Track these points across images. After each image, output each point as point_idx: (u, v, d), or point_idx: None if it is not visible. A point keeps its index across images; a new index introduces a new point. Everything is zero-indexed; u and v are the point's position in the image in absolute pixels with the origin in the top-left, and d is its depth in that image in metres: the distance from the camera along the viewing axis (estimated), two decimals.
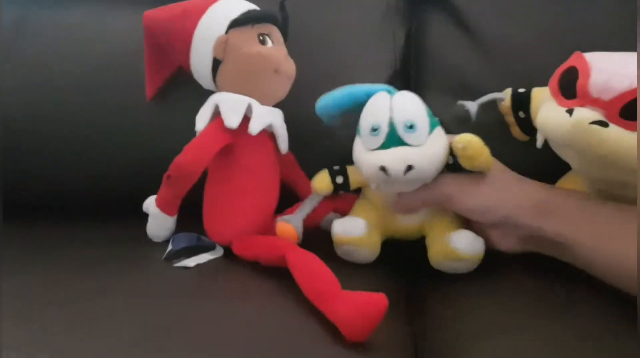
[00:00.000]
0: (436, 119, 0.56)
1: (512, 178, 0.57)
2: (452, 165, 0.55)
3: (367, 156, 0.54)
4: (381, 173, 0.52)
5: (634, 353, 0.43)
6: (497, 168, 0.57)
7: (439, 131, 0.55)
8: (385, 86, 0.57)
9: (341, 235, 0.58)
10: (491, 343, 0.46)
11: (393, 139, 0.52)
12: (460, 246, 0.54)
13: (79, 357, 0.42)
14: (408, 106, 0.54)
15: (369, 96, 0.56)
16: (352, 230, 0.57)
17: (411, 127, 0.52)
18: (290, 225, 0.59)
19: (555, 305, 0.50)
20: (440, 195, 0.55)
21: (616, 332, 0.45)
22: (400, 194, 0.57)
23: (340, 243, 0.58)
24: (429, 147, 0.53)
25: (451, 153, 0.54)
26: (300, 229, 0.59)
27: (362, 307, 0.45)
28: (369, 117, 0.54)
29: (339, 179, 0.61)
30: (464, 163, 0.53)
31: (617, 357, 0.43)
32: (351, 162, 0.58)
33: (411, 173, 0.52)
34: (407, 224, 0.59)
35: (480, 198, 0.55)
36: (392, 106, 0.53)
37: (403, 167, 0.51)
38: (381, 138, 0.53)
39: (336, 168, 0.62)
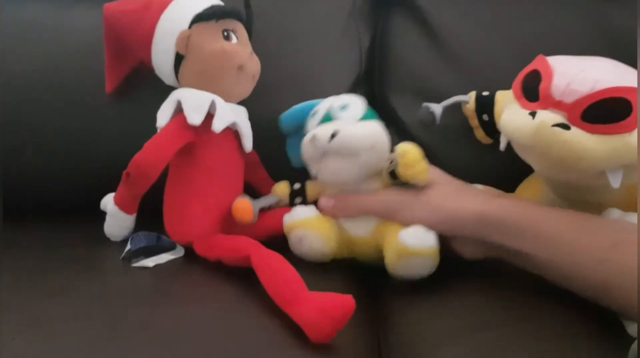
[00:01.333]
0: (376, 115, 0.58)
1: (454, 189, 0.56)
2: (393, 172, 0.55)
3: (305, 137, 0.57)
4: (311, 144, 0.55)
5: (593, 353, 0.43)
6: (441, 180, 0.57)
7: (375, 122, 0.57)
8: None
9: (290, 221, 0.57)
10: (454, 346, 0.46)
11: (328, 119, 0.56)
12: (409, 241, 0.52)
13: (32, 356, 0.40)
14: (347, 97, 0.58)
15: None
16: (301, 214, 0.58)
17: (344, 107, 0.56)
18: (250, 202, 0.58)
19: (515, 308, 0.50)
20: (381, 206, 0.56)
21: (577, 335, 0.46)
22: (339, 198, 0.57)
23: (290, 229, 0.57)
24: (358, 125, 0.55)
25: (392, 161, 0.55)
26: (256, 211, 0.58)
27: (328, 308, 0.44)
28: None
29: (296, 186, 0.62)
30: (400, 170, 0.54)
31: (578, 355, 0.43)
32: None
33: (336, 139, 0.53)
34: (359, 236, 0.58)
35: (420, 213, 0.54)
36: (335, 99, 0.58)
37: (329, 133, 0.54)
38: (318, 118, 0.57)
39: (296, 186, 0.62)
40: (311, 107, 0.60)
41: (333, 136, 0.54)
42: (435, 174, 0.57)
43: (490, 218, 0.51)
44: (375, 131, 0.56)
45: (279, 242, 0.56)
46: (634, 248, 0.43)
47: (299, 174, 0.61)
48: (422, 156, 0.54)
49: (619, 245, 0.45)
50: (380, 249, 0.58)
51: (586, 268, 0.46)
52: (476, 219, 0.52)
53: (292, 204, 0.62)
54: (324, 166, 0.56)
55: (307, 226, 0.57)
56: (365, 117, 0.56)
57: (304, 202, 0.61)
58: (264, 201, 0.60)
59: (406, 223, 0.54)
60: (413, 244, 0.52)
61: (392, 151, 0.56)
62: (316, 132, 0.55)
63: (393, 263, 0.54)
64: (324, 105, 0.58)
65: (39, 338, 0.43)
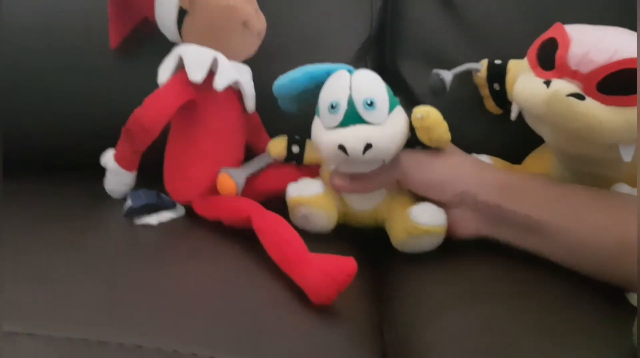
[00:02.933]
0: (396, 98, 0.54)
1: (470, 157, 0.56)
2: (410, 140, 0.54)
3: (326, 134, 0.52)
4: (340, 151, 0.51)
5: (593, 328, 0.43)
6: (455, 149, 0.56)
7: (399, 110, 0.54)
8: (345, 65, 0.55)
9: (296, 196, 0.56)
10: (455, 315, 0.46)
11: (352, 117, 0.51)
12: (422, 219, 0.52)
13: (33, 310, 0.39)
14: (368, 84, 0.53)
15: (329, 75, 0.54)
16: (308, 189, 0.56)
17: (371, 104, 0.51)
18: (232, 179, 0.56)
19: (518, 281, 0.50)
20: (396, 172, 0.54)
21: (581, 308, 0.46)
22: (355, 176, 0.55)
23: (296, 205, 0.56)
24: (388, 126, 0.52)
25: (410, 127, 0.53)
26: (241, 185, 0.56)
27: (330, 270, 0.44)
28: (328, 94, 0.53)
29: (295, 149, 0.60)
30: (420, 135, 0.52)
31: (575, 331, 0.43)
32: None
33: (370, 152, 0.50)
34: (362, 210, 0.57)
35: (437, 171, 0.53)
36: (352, 84, 0.52)
37: (362, 146, 0.50)
38: (340, 115, 0.51)
39: (297, 137, 0.60)
40: (309, 76, 0.55)
41: (367, 148, 0.50)
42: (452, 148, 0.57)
43: (511, 184, 0.52)
44: (404, 130, 0.53)
45: (276, 203, 0.55)
46: None
47: (302, 133, 0.60)
48: (442, 118, 0.52)
49: (634, 213, 0.44)
50: (380, 221, 0.57)
51: (603, 230, 0.46)
52: (497, 185, 0.52)
53: (287, 162, 0.60)
54: (347, 167, 0.54)
55: (314, 205, 0.55)
56: (391, 107, 0.52)
57: (300, 155, 0.60)
58: (255, 166, 0.59)
59: (421, 185, 0.53)
60: (425, 222, 0.52)
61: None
62: (345, 140, 0.50)
63: (402, 239, 0.54)
64: (341, 95, 0.51)
65: (39, 290, 0.42)
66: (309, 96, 0.56)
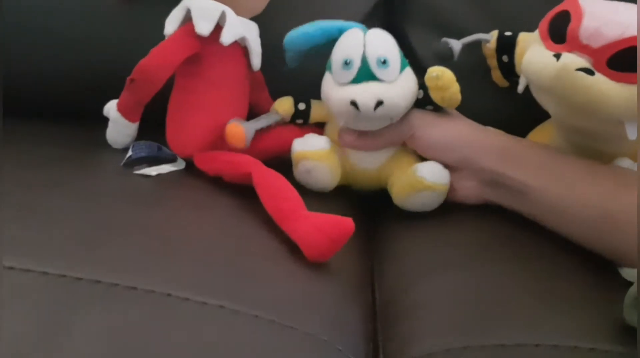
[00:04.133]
0: (406, 60, 0.55)
1: (476, 124, 0.57)
2: (422, 99, 0.54)
3: (337, 90, 0.53)
4: (351, 107, 0.51)
5: (583, 296, 0.44)
6: (460, 115, 0.57)
7: (409, 70, 0.55)
8: (358, 24, 0.56)
9: (300, 150, 0.56)
10: (446, 277, 0.47)
11: (365, 74, 0.52)
12: (427, 175, 0.53)
13: (19, 244, 0.39)
14: (381, 42, 0.54)
15: (341, 32, 0.55)
16: (313, 144, 0.56)
17: (384, 62, 0.52)
18: (242, 128, 0.55)
19: (512, 246, 0.50)
20: (404, 131, 0.55)
21: (572, 277, 0.46)
22: (363, 133, 0.56)
23: (300, 159, 0.56)
24: (399, 84, 0.53)
25: (422, 86, 0.54)
26: (250, 137, 0.56)
27: (327, 228, 0.44)
28: (341, 51, 0.54)
29: (301, 106, 0.60)
30: (433, 94, 0.53)
31: (564, 298, 0.43)
32: (318, 93, 0.57)
33: (381, 109, 0.51)
34: (365, 168, 0.58)
35: (443, 132, 0.55)
36: (366, 42, 0.53)
37: (374, 102, 0.51)
38: (353, 72, 0.52)
39: (302, 104, 0.60)
40: (322, 31, 0.56)
41: (378, 104, 0.51)
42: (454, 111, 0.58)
43: (510, 150, 0.53)
44: (414, 89, 0.54)
45: (277, 165, 0.55)
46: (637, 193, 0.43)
47: (305, 95, 0.60)
48: (454, 78, 0.53)
49: (625, 186, 0.46)
50: (383, 181, 0.57)
51: (591, 202, 0.47)
52: (497, 150, 0.53)
53: (292, 122, 0.60)
54: (356, 124, 0.54)
55: (318, 159, 0.55)
56: (402, 68, 0.53)
57: (305, 123, 0.60)
58: (263, 121, 0.59)
59: (426, 144, 0.54)
60: (430, 178, 0.53)
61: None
62: (357, 96, 0.51)
63: (405, 194, 0.55)
64: (355, 52, 0.52)
65: (29, 226, 0.42)
66: (317, 52, 0.56)
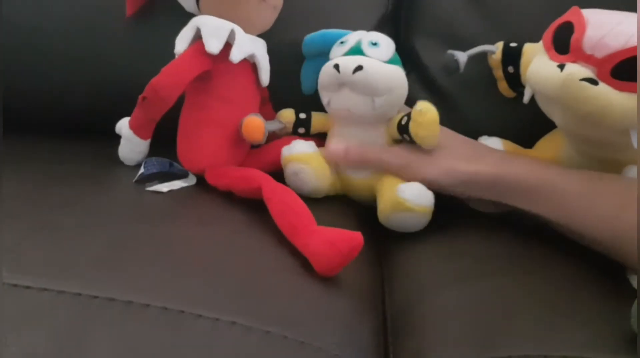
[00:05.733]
0: (400, 62, 0.58)
1: (468, 150, 0.56)
2: (404, 126, 0.55)
3: (328, 63, 0.57)
4: (333, 70, 0.55)
5: (591, 308, 0.43)
6: (454, 142, 0.57)
7: (400, 69, 0.57)
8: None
9: (288, 154, 0.58)
10: (457, 290, 0.47)
11: (356, 51, 0.56)
12: (408, 196, 0.53)
13: (36, 265, 0.40)
14: (379, 34, 0.58)
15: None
16: (298, 148, 0.58)
17: (375, 44, 0.56)
18: (261, 121, 0.57)
19: (522, 258, 0.51)
20: (389, 161, 0.56)
21: (582, 287, 0.46)
22: (349, 146, 0.57)
23: (286, 162, 0.58)
24: (384, 63, 0.56)
25: (407, 115, 0.55)
26: (267, 132, 0.58)
27: (336, 242, 0.44)
28: (342, 37, 0.59)
29: (302, 115, 0.62)
30: (412, 126, 0.54)
31: (573, 310, 0.43)
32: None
33: (359, 74, 0.54)
34: (358, 178, 0.59)
35: (432, 173, 0.54)
36: (365, 34, 0.58)
37: (354, 65, 0.54)
38: (346, 47, 0.57)
39: (303, 114, 0.62)
40: (340, 35, 0.60)
41: (357, 69, 0.54)
42: (448, 135, 0.57)
43: (504, 181, 0.52)
44: (398, 76, 0.57)
45: (282, 177, 0.57)
46: None
47: (307, 108, 0.62)
48: (437, 120, 0.54)
49: (630, 202, 0.45)
50: (374, 192, 0.58)
51: (597, 227, 0.47)
52: (489, 182, 0.53)
53: (294, 133, 0.62)
54: (338, 95, 0.56)
55: (304, 161, 0.57)
56: (391, 61, 0.56)
57: (307, 133, 0.62)
58: (271, 125, 0.60)
59: (422, 179, 0.54)
60: (410, 199, 0.53)
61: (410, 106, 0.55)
62: (341, 61, 0.55)
63: (386, 213, 0.55)
64: (353, 36, 0.58)
65: (43, 244, 0.43)
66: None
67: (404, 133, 0.55)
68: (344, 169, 0.59)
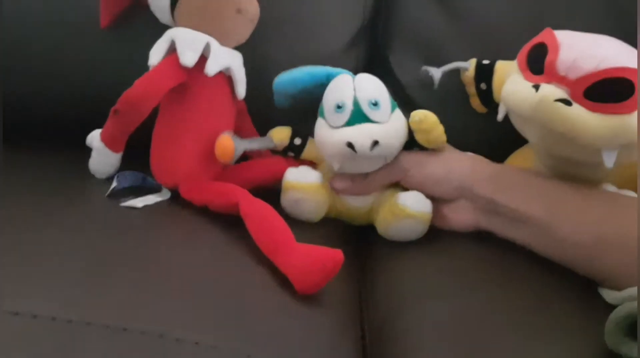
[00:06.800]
0: (395, 102, 0.56)
1: (464, 154, 0.59)
2: (409, 142, 0.56)
3: (332, 133, 0.54)
4: (348, 149, 0.52)
5: (568, 322, 0.45)
6: (450, 148, 0.59)
7: (398, 111, 0.56)
8: (345, 70, 0.57)
9: (293, 181, 0.56)
10: (437, 304, 0.47)
11: (358, 116, 0.53)
12: (408, 203, 0.54)
13: (6, 287, 0.39)
14: (371, 85, 0.55)
15: (328, 77, 0.57)
16: (307, 177, 0.57)
17: (375, 104, 0.53)
18: (232, 141, 0.56)
19: (501, 272, 0.51)
20: (396, 171, 0.56)
21: (559, 299, 0.47)
22: (356, 178, 0.57)
23: (290, 189, 0.56)
24: (392, 124, 0.54)
25: (408, 130, 0.56)
26: (238, 152, 0.56)
27: (316, 260, 0.44)
28: (333, 95, 0.55)
29: (297, 141, 0.60)
30: (418, 137, 0.55)
31: (550, 325, 0.44)
32: (303, 122, 0.58)
33: (377, 149, 0.53)
34: (356, 206, 0.59)
35: (434, 167, 0.56)
36: (355, 86, 0.54)
37: (369, 142, 0.52)
38: (346, 114, 0.53)
39: (298, 139, 0.60)
40: (310, 75, 0.58)
41: (374, 145, 0.52)
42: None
43: (503, 179, 0.54)
44: (405, 128, 0.55)
45: (263, 192, 0.55)
46: (631, 215, 0.45)
47: (287, 122, 0.61)
48: (438, 120, 0.54)
49: (614, 211, 0.47)
50: (372, 217, 0.59)
51: (582, 226, 0.48)
52: (490, 179, 0.54)
53: (283, 155, 0.61)
54: (351, 164, 0.55)
55: (307, 191, 0.56)
56: (392, 108, 0.55)
57: (296, 158, 0.61)
58: (255, 144, 0.59)
59: (422, 180, 0.56)
60: (411, 206, 0.54)
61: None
62: (353, 138, 0.52)
63: (387, 222, 0.56)
64: (346, 96, 0.54)
65: (13, 265, 0.41)
66: (305, 95, 0.58)
67: (412, 147, 0.56)
68: (346, 199, 0.58)
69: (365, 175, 0.56)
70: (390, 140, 0.54)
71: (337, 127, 0.54)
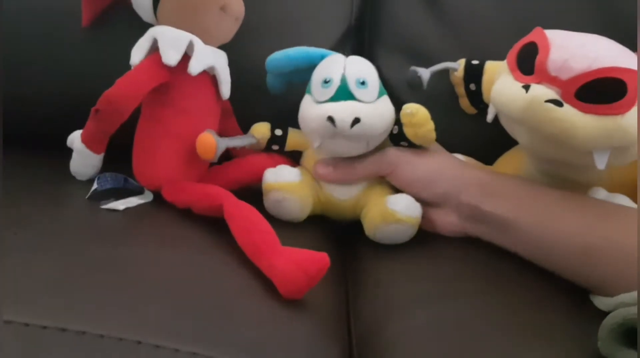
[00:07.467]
0: (385, 90, 0.56)
1: (454, 158, 0.58)
2: (397, 135, 0.55)
3: (315, 107, 0.53)
4: (328, 123, 0.51)
5: (558, 328, 0.44)
6: (440, 148, 0.58)
7: (387, 98, 0.55)
8: (339, 54, 0.57)
9: (272, 181, 0.55)
10: (425, 310, 0.46)
11: (344, 93, 0.52)
12: (398, 207, 0.53)
13: None
14: (361, 66, 0.55)
15: (323, 57, 0.56)
16: (285, 176, 0.56)
17: (363, 83, 0.53)
18: (214, 138, 0.54)
19: (490, 279, 0.50)
20: (382, 165, 0.55)
21: (549, 307, 0.46)
22: (339, 164, 0.56)
23: (270, 190, 0.55)
24: (377, 106, 0.53)
25: (397, 122, 0.54)
26: (221, 149, 0.55)
27: (302, 264, 0.43)
28: (322, 71, 0.55)
29: (278, 132, 0.59)
30: (407, 131, 0.54)
31: (539, 331, 0.43)
32: (292, 121, 0.57)
33: (358, 127, 0.51)
34: (340, 199, 0.58)
35: (423, 169, 0.55)
36: (346, 64, 0.54)
37: (351, 119, 0.51)
38: (332, 90, 0.52)
39: (279, 131, 0.60)
40: (305, 54, 0.57)
41: (355, 122, 0.51)
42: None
43: (490, 185, 0.53)
44: (392, 115, 0.55)
45: (248, 193, 0.54)
46: (620, 223, 0.45)
47: (276, 123, 0.60)
48: (429, 116, 0.53)
49: (604, 218, 0.46)
50: (357, 212, 0.57)
51: (571, 235, 0.47)
52: (477, 185, 0.53)
53: (268, 149, 0.60)
54: (331, 143, 0.54)
55: (289, 190, 0.55)
56: (380, 93, 0.54)
57: (281, 150, 0.60)
58: (238, 141, 0.58)
59: (407, 181, 0.55)
60: (400, 211, 0.53)
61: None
62: (334, 112, 0.51)
63: (375, 226, 0.54)
64: (335, 72, 0.53)
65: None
66: (298, 76, 0.57)
67: (400, 141, 0.55)
68: (330, 191, 0.57)
69: (350, 162, 0.55)
70: (372, 120, 0.52)
71: (322, 102, 0.53)
